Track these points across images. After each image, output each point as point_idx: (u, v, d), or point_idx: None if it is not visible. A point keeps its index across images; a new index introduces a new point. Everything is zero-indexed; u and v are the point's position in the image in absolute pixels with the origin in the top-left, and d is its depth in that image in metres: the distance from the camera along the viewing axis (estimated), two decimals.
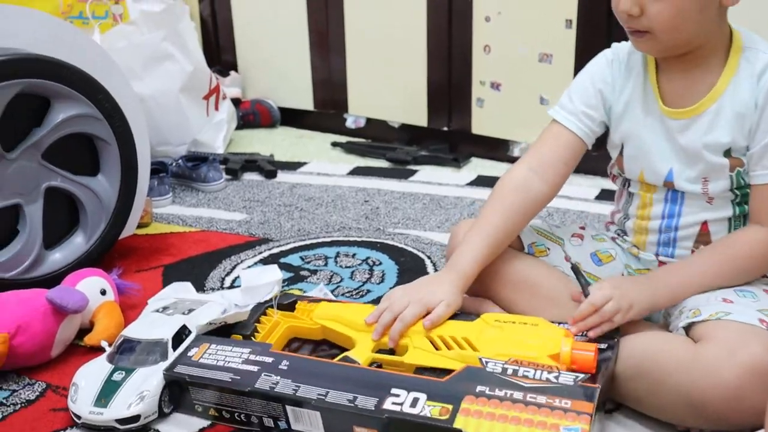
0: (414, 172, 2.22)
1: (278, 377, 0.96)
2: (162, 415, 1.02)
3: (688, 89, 1.05)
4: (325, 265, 1.56)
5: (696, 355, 0.91)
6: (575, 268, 1.09)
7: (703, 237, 1.10)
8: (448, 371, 0.95)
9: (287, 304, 1.15)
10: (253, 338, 1.09)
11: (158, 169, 1.98)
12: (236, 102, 2.69)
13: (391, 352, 1.03)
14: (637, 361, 0.96)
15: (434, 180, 2.15)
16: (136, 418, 0.99)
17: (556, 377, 0.91)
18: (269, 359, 1.00)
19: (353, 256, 1.60)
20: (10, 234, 1.34)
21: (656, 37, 1.00)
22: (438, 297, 1.05)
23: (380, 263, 1.55)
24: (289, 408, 0.93)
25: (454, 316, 1.06)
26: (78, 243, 1.43)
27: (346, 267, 1.54)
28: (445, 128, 2.36)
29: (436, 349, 1.00)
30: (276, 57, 2.72)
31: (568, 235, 1.23)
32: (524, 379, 0.91)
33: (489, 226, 1.13)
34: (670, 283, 1.05)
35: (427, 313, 1.04)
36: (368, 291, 1.43)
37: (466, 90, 2.26)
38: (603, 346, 0.98)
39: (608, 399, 0.98)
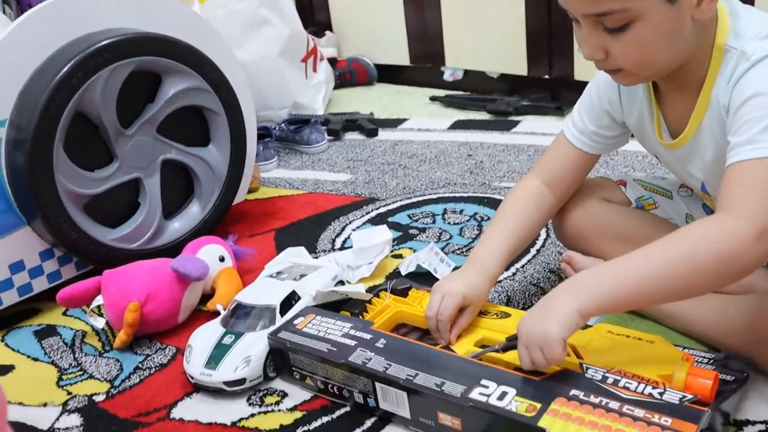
0: (516, 123, 2.18)
1: (372, 354, 0.97)
2: (267, 379, 1.06)
3: (686, 111, 0.96)
4: (433, 222, 1.56)
5: None
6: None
7: None
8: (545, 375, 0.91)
9: (401, 290, 1.15)
10: (361, 317, 1.10)
11: (262, 134, 2.02)
12: (332, 61, 2.71)
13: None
14: (766, 326, 0.92)
15: (537, 130, 2.10)
16: (242, 381, 1.03)
17: (661, 393, 0.84)
18: (368, 336, 1.01)
19: (461, 212, 1.59)
20: (133, 207, 1.40)
21: (630, 72, 0.92)
22: (466, 286, 1.02)
23: (488, 218, 1.54)
24: (378, 385, 0.94)
25: None
26: (194, 212, 1.48)
27: (455, 224, 1.54)
28: (547, 76, 2.30)
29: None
30: (369, 13, 2.71)
31: (675, 186, 1.18)
32: (625, 390, 0.85)
33: (510, 225, 1.10)
34: (593, 285, 0.86)
35: (463, 305, 1.02)
36: None
37: (568, 34, 2.17)
38: (728, 377, 0.90)
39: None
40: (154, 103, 1.38)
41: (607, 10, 0.84)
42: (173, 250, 1.37)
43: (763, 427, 0.89)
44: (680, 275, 0.82)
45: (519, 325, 0.89)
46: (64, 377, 1.13)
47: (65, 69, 1.22)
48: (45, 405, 1.06)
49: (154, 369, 1.13)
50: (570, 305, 0.84)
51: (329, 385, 1.00)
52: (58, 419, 1.03)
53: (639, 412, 0.80)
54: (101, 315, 1.24)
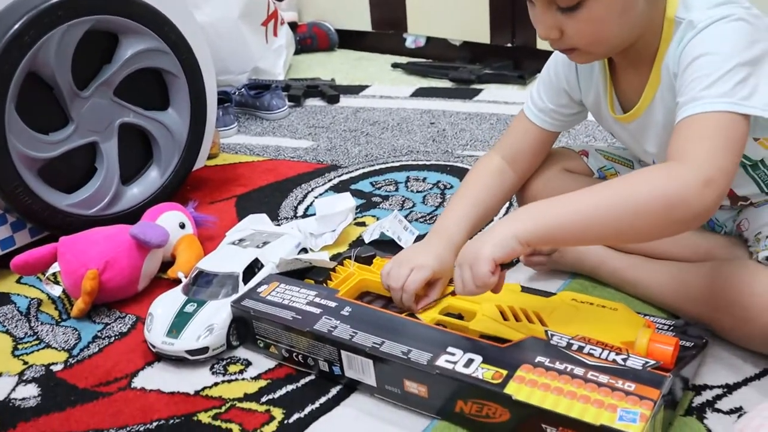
0: (478, 91, 2.17)
1: (338, 322, 0.96)
2: (230, 348, 1.04)
3: (640, 85, 0.97)
4: (396, 190, 1.55)
5: None
6: None
7: (733, 197, 1.03)
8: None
9: (365, 258, 1.14)
10: (325, 285, 1.09)
11: (222, 99, 1.98)
12: (293, 26, 2.67)
13: (460, 317, 1.01)
14: (725, 294, 0.93)
15: (500, 99, 2.10)
16: (204, 349, 1.01)
17: (624, 359, 0.85)
18: (333, 304, 1.00)
19: (423, 180, 1.58)
20: (89, 172, 1.36)
21: (584, 51, 0.92)
22: (433, 260, 1.02)
23: (451, 186, 1.54)
24: (344, 353, 0.93)
25: (529, 291, 1.04)
26: (153, 177, 1.44)
27: (418, 192, 1.53)
28: (509, 44, 2.30)
29: (505, 319, 0.97)
30: None
31: (636, 157, 1.19)
32: (589, 356, 0.86)
33: (474, 198, 1.10)
34: (533, 215, 0.86)
35: (432, 279, 1.01)
36: None
37: None
38: (688, 343, 0.92)
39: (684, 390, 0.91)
40: (111, 64, 1.34)
41: None
42: (132, 216, 1.34)
43: (720, 391, 0.91)
44: (620, 215, 0.81)
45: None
46: (20, 347, 1.10)
47: (17, 26, 1.17)
48: (0, 375, 1.03)
49: (113, 338, 1.10)
50: (507, 229, 0.84)
51: (294, 354, 0.99)
52: (14, 389, 1.00)
53: (603, 378, 0.81)
54: (57, 283, 1.21)
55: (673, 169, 0.80)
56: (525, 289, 1.04)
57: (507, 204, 1.38)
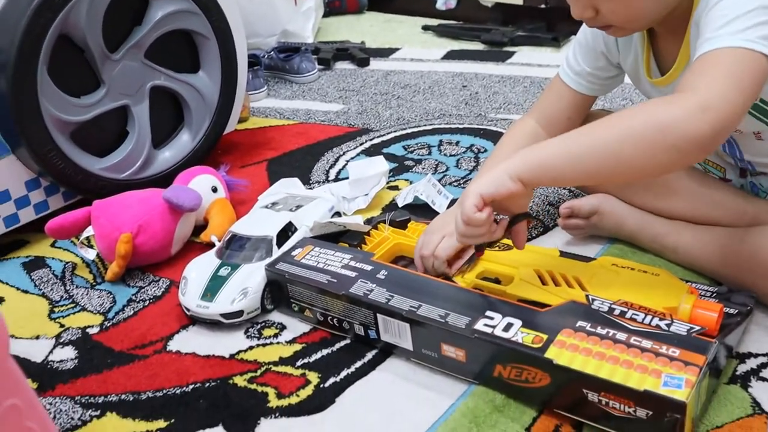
0: (511, 53, 2.13)
1: (374, 285, 0.95)
2: (264, 311, 1.04)
3: (676, 49, 0.93)
4: (429, 154, 1.52)
5: None
6: None
7: None
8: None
9: (400, 222, 1.13)
10: (359, 249, 1.08)
11: (252, 62, 1.96)
12: None
13: (498, 282, 1.00)
14: None
15: (533, 61, 2.06)
16: (239, 313, 1.01)
17: (668, 325, 0.83)
18: (368, 267, 0.99)
19: (457, 143, 1.56)
20: (121, 136, 1.36)
21: (620, 27, 0.90)
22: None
23: (485, 150, 1.51)
24: (380, 317, 0.92)
25: (568, 256, 1.01)
26: (185, 141, 1.44)
27: (451, 155, 1.51)
28: (543, 5, 2.24)
29: (543, 284, 0.95)
30: None
31: None
32: (631, 321, 0.84)
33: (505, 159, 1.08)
34: (527, 153, 0.84)
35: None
36: None
37: None
38: (732, 310, 0.89)
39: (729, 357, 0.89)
40: (142, 26, 1.32)
41: None
42: (164, 180, 1.34)
43: (765, 359, 0.89)
44: (615, 146, 0.77)
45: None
46: (56, 309, 1.11)
47: None
48: (37, 338, 1.04)
49: (148, 301, 1.11)
50: (500, 167, 0.83)
51: (329, 317, 0.98)
52: (51, 352, 1.01)
53: (647, 343, 0.79)
54: (91, 246, 1.21)
55: (672, 98, 0.77)
56: (563, 254, 1.02)
57: None
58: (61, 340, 1.03)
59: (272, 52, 2.10)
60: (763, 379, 0.86)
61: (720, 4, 0.80)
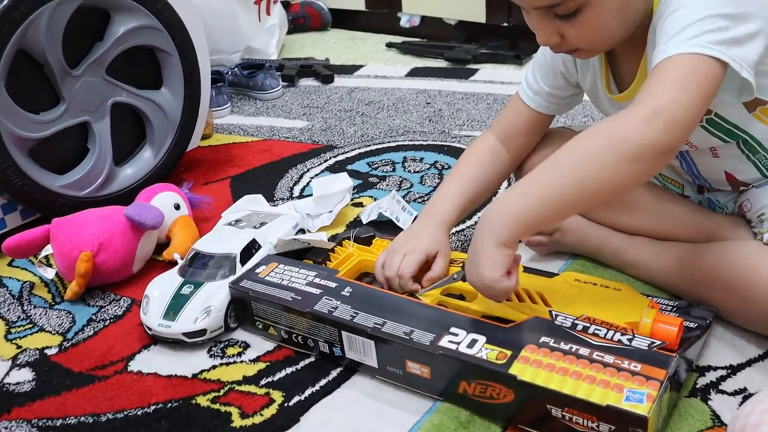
0: (474, 71, 2.15)
1: (339, 302, 0.94)
2: (228, 330, 1.03)
3: (635, 65, 0.95)
4: (393, 170, 1.53)
5: None
6: None
7: (734, 182, 1.01)
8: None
9: (365, 239, 1.13)
10: (324, 266, 1.08)
11: (215, 78, 1.95)
12: (285, 5, 2.63)
13: (462, 298, 1.00)
14: (729, 275, 0.92)
15: (496, 79, 2.08)
16: (202, 332, 1.00)
17: (630, 340, 0.84)
18: (333, 284, 0.99)
19: (421, 160, 1.56)
20: (82, 152, 1.34)
21: (587, 50, 0.91)
22: (427, 242, 1.01)
23: (449, 167, 1.52)
24: (344, 334, 0.91)
25: (532, 271, 1.02)
26: (147, 158, 1.42)
27: (415, 172, 1.51)
28: (505, 24, 2.27)
29: (507, 300, 0.95)
30: None
31: None
32: (594, 336, 0.84)
33: (468, 176, 1.09)
34: (504, 217, 0.84)
35: (427, 260, 1.00)
36: None
37: None
38: (692, 324, 0.90)
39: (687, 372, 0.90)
40: (103, 42, 1.31)
41: (558, 1, 0.82)
42: (125, 197, 1.32)
43: (724, 372, 0.90)
44: (581, 174, 0.79)
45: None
46: (13, 330, 1.08)
47: (6, 2, 1.14)
48: None
49: (108, 321, 1.09)
50: (489, 243, 0.84)
51: (293, 335, 0.97)
52: (8, 374, 0.98)
53: (609, 358, 0.80)
54: (50, 265, 1.19)
55: (626, 111, 0.78)
56: (527, 269, 1.03)
57: (505, 183, 1.36)
58: (18, 362, 1.01)
59: (236, 69, 2.09)
60: (723, 392, 0.87)
61: (673, 15, 0.81)
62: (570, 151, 0.81)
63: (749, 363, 0.91)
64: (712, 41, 0.77)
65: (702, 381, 0.89)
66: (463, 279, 0.93)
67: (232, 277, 1.04)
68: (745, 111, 0.91)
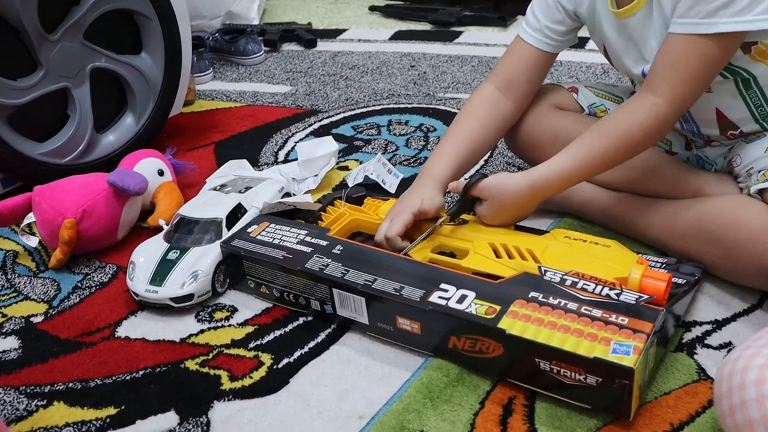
0: (459, 33, 2.13)
1: (329, 260, 0.95)
2: (215, 294, 1.02)
3: None
4: (378, 134, 1.52)
5: None
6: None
7: (723, 123, 1.01)
8: None
9: (356, 198, 1.12)
10: (315, 225, 1.07)
11: (196, 44, 1.92)
12: None
13: (453, 256, 1.00)
14: (714, 227, 0.93)
15: (481, 41, 2.06)
16: (189, 296, 0.99)
17: (618, 294, 0.84)
18: (324, 242, 0.99)
19: (406, 123, 1.55)
20: (62, 119, 1.32)
21: None
22: (416, 200, 1.01)
23: (434, 129, 1.51)
24: (335, 291, 0.92)
25: (522, 229, 1.02)
26: (128, 124, 1.40)
27: (401, 135, 1.50)
28: None
29: (498, 257, 0.96)
30: None
31: (627, 93, 1.17)
32: (582, 291, 0.85)
33: (463, 134, 1.09)
34: (544, 170, 0.96)
35: (416, 220, 1.01)
36: (425, 158, 1.39)
37: None
38: (680, 280, 0.91)
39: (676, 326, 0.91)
40: (80, 5, 1.28)
41: None
42: (108, 164, 1.30)
43: (709, 327, 0.91)
44: (616, 155, 0.95)
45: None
46: None
47: None
48: None
49: (94, 288, 1.08)
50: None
51: (285, 293, 0.97)
52: None
53: (597, 312, 0.81)
54: (33, 234, 1.18)
55: (638, 101, 0.93)
56: (517, 227, 1.03)
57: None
58: (3, 330, 1.00)
59: (217, 34, 2.06)
60: (708, 346, 0.88)
61: None
62: (606, 135, 0.95)
63: (734, 317, 0.92)
64: (710, 10, 0.83)
65: (688, 336, 0.90)
66: (452, 218, 0.94)
67: (218, 242, 1.03)
68: (741, 52, 0.92)
